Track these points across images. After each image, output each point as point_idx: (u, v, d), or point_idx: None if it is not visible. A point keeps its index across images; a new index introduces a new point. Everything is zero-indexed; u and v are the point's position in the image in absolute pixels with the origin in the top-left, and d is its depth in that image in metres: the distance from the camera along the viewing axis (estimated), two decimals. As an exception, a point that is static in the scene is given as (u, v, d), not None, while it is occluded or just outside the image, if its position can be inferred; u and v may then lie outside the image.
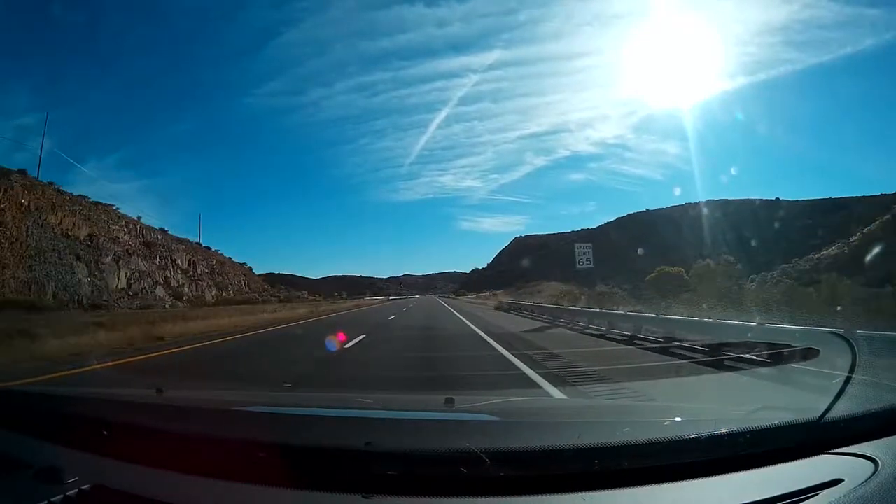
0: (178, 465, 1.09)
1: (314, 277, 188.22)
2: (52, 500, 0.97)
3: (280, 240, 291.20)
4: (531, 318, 19.19)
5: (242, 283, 76.90)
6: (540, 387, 5.21)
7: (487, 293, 78.40)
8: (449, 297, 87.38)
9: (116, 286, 42.76)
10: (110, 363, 7.83)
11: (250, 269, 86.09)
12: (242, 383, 5.92)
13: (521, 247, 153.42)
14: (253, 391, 3.93)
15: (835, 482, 0.98)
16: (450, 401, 1.65)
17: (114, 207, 50.25)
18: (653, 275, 32.81)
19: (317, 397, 3.10)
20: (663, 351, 8.12)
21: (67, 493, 1.00)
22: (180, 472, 1.08)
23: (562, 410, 2.21)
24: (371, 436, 1.12)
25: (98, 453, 1.19)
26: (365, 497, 0.96)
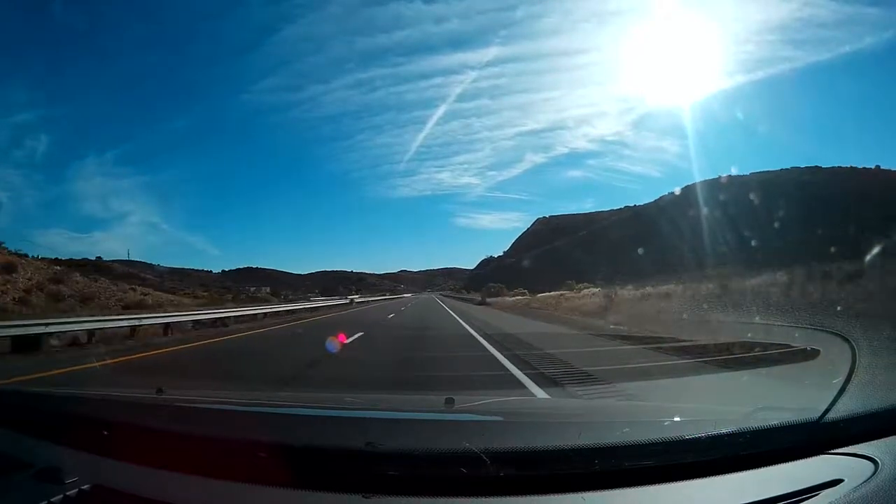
0: (178, 465, 1.09)
1: (300, 273, 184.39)
2: (52, 500, 0.98)
3: (274, 235, 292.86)
4: None
5: None
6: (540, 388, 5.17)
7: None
8: (464, 300, 50.13)
9: None
10: (110, 362, 7.84)
11: None
12: (243, 383, 5.92)
13: (547, 229, 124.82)
14: (253, 391, 3.93)
15: (835, 482, 0.98)
16: (450, 401, 1.65)
17: None
18: None
19: (317, 397, 3.10)
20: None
21: (67, 493, 1.00)
22: (180, 472, 1.08)
23: (562, 410, 2.22)
24: (371, 436, 1.12)
25: (98, 453, 1.19)
26: (365, 497, 0.96)
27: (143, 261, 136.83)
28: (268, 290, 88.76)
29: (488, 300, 43.86)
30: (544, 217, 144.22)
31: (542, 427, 1.42)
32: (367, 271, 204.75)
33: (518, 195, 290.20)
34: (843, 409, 1.18)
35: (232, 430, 1.30)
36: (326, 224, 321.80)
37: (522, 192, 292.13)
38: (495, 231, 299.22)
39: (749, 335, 6.60)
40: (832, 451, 1.10)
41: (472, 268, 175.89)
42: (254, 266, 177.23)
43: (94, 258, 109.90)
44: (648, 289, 21.42)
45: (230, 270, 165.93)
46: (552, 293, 36.91)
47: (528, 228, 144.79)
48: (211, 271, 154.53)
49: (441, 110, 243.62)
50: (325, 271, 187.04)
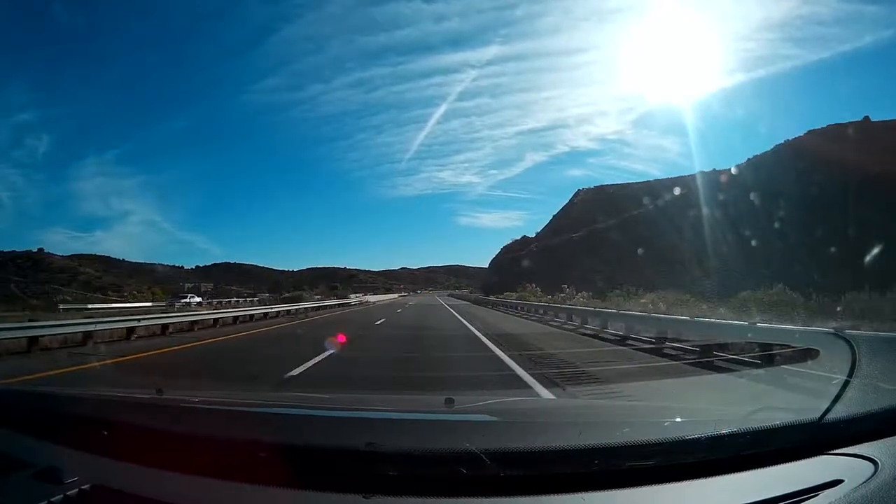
0: (178, 465, 1.09)
1: (288, 269, 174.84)
2: (52, 500, 0.97)
3: (271, 233, 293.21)
4: None
5: None
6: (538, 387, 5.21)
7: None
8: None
9: None
10: (110, 361, 7.86)
11: None
12: (243, 383, 5.93)
13: (599, 197, 78.35)
14: (253, 391, 3.93)
15: (835, 483, 0.98)
16: (450, 401, 1.65)
17: None
18: None
19: (318, 397, 3.09)
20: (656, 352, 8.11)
21: (67, 493, 1.00)
22: (180, 472, 1.08)
23: (562, 411, 2.21)
24: (372, 436, 1.12)
25: (98, 453, 1.19)
26: (365, 497, 0.96)
27: (109, 255, 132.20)
28: (210, 287, 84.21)
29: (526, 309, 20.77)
30: (584, 188, 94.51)
31: (542, 427, 1.42)
32: (362, 268, 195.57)
33: (519, 194, 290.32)
34: (843, 409, 1.18)
35: (232, 430, 1.30)
36: (325, 223, 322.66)
37: (523, 191, 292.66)
38: (497, 229, 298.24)
39: (749, 335, 6.60)
40: (832, 452, 1.10)
41: (478, 265, 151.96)
42: (231, 262, 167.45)
43: (35, 250, 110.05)
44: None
45: (205, 266, 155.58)
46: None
47: (569, 201, 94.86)
48: (183, 267, 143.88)
49: (441, 109, 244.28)
50: (314, 268, 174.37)
